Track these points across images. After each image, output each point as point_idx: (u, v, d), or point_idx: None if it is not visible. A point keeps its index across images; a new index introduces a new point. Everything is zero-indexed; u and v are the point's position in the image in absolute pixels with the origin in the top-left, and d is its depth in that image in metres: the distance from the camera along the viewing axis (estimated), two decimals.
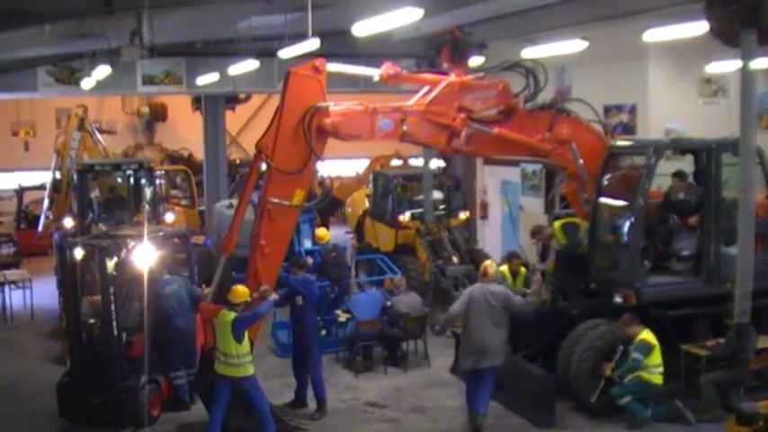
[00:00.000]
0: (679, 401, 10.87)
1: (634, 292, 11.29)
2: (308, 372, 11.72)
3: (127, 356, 11.26)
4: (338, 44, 15.04)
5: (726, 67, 14.45)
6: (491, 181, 21.58)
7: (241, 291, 10.41)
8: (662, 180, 12.24)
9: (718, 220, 11.58)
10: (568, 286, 12.42)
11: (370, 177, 22.79)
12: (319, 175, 11.85)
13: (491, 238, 21.38)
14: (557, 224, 12.76)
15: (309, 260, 14.15)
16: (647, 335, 10.86)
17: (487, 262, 11.56)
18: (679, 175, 12.30)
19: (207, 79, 19.40)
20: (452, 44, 12.09)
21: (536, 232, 13.84)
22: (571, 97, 15.13)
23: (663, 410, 10.88)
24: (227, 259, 11.13)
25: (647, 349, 10.75)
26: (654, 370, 10.78)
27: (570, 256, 12.44)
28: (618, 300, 11.43)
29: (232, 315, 10.24)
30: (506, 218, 20.90)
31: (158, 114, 32.97)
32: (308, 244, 17.49)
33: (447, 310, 11.27)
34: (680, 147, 12.58)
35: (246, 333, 10.32)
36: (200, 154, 26.77)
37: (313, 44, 12.67)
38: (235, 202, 14.45)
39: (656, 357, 10.82)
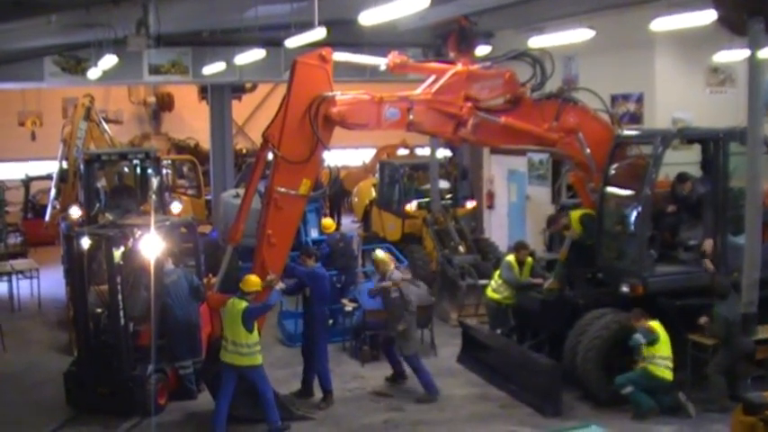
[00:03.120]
0: (683, 393, 10.82)
1: (641, 281, 11.26)
2: (315, 362, 11.74)
3: (134, 346, 11.30)
4: (345, 33, 14.98)
5: (733, 56, 14.36)
6: (498, 170, 21.54)
7: (254, 280, 10.43)
8: (669, 169, 12.20)
9: (725, 210, 11.55)
10: (575, 276, 12.39)
11: (377, 167, 22.76)
12: (325, 164, 11.84)
13: (497, 227, 21.35)
14: (575, 214, 12.62)
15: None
16: (654, 324, 10.82)
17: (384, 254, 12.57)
18: (680, 177, 12.16)
19: (213, 69, 19.39)
20: (459, 33, 12.06)
21: (551, 222, 13.74)
22: (578, 86, 15.08)
23: (667, 401, 10.85)
24: (234, 249, 11.16)
25: (649, 334, 10.69)
26: (660, 362, 10.71)
27: (580, 246, 12.40)
28: (625, 289, 11.40)
29: (243, 304, 10.25)
30: (513, 207, 20.87)
31: (165, 104, 33.03)
32: (314, 233, 17.50)
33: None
34: (687, 136, 12.51)
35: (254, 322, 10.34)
36: (206, 143, 26.77)
37: (319, 33, 12.62)
38: (241, 191, 14.45)
39: (665, 350, 10.76)
